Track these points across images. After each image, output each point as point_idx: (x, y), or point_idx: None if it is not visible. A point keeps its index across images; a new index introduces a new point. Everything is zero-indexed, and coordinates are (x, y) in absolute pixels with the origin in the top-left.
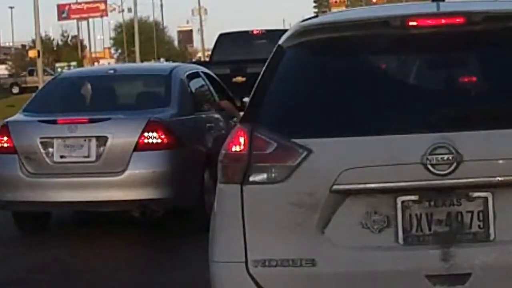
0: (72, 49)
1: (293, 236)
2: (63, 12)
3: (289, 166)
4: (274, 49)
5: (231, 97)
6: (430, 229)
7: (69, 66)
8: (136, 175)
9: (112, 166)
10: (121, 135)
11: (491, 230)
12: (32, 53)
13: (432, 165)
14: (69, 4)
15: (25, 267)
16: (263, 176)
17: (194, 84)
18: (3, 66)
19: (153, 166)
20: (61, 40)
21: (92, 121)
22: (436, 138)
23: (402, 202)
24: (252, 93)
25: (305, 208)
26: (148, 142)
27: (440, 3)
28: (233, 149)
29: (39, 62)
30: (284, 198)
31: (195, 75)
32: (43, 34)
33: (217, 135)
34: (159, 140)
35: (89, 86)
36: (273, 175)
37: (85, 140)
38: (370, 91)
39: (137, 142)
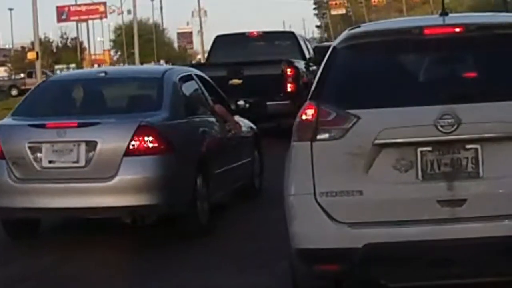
0: (71, 51)
1: (347, 175)
2: (62, 14)
3: (344, 128)
4: (330, 50)
5: (225, 100)
6: (439, 169)
7: (68, 68)
8: (127, 181)
9: (101, 171)
10: (111, 139)
11: (480, 170)
12: (30, 55)
13: (441, 126)
14: (69, 6)
15: (13, 275)
16: (326, 135)
17: (187, 87)
18: (2, 68)
19: (144, 172)
20: (61, 42)
21: (81, 125)
22: (444, 108)
23: (421, 151)
24: (316, 79)
25: (355, 156)
26: (138, 147)
27: (445, 16)
28: (304, 117)
29: (38, 64)
30: (341, 150)
31: (188, 78)
32: (42, 36)
33: (210, 139)
34: (150, 145)
35: (79, 90)
36: (333, 134)
37: (74, 145)
38: (399, 77)
39: (128, 147)
